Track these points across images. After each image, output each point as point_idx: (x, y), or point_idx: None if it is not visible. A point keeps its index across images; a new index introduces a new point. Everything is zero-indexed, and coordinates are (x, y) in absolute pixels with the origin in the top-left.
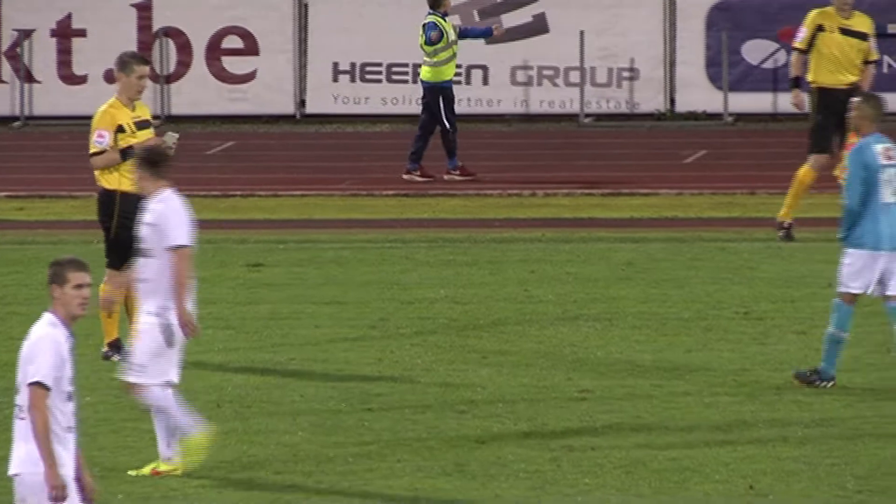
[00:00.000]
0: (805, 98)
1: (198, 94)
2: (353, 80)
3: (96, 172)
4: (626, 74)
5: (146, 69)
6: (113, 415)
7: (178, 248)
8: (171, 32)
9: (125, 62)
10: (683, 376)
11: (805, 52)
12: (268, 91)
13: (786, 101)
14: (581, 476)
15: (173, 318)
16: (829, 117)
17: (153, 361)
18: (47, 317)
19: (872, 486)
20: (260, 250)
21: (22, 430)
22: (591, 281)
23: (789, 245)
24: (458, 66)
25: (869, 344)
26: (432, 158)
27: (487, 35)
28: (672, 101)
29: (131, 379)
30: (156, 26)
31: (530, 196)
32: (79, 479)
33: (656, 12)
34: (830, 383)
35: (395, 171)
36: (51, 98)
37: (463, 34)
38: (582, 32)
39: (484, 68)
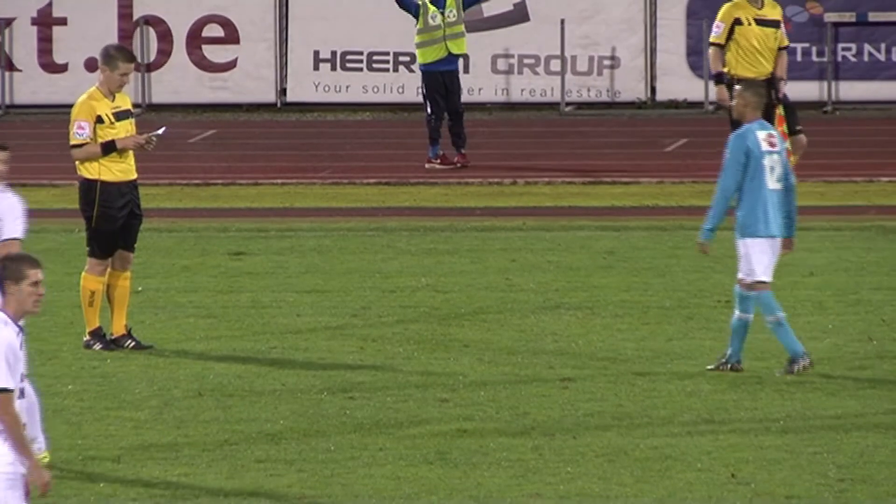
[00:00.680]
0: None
1: (178, 82)
2: (333, 68)
3: (77, 162)
4: (606, 63)
5: (131, 67)
6: (96, 403)
7: None
8: (151, 21)
9: (111, 56)
10: (665, 365)
11: (723, 46)
12: (249, 79)
13: None
14: (563, 465)
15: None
16: None
17: None
18: None
19: (854, 475)
20: (241, 239)
21: None
22: (572, 269)
23: None
24: None
25: (851, 333)
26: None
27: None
28: (653, 90)
29: None
30: (136, 15)
31: (511, 185)
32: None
33: (637, 1)
34: (807, 361)
35: (377, 160)
36: (31, 86)
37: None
38: (563, 21)
39: (465, 56)
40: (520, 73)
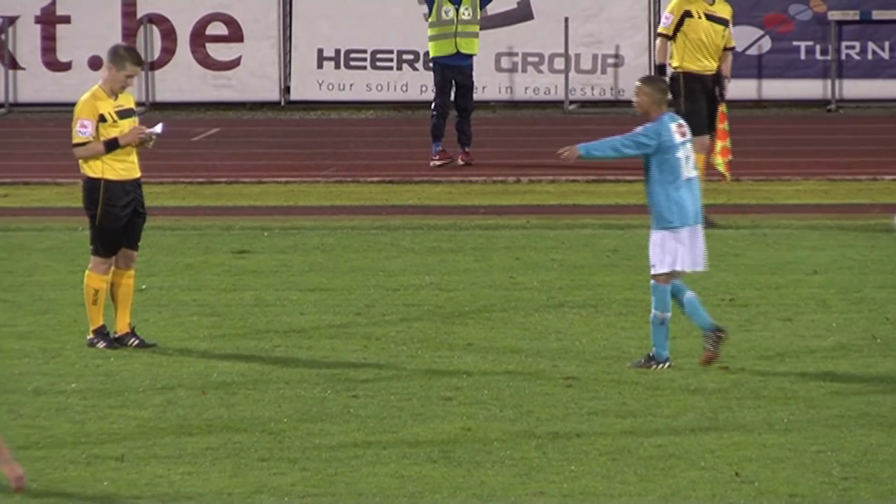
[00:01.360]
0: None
1: (182, 80)
2: (337, 66)
3: (80, 161)
4: (610, 61)
5: (138, 70)
6: (100, 401)
7: None
8: (155, 19)
9: (120, 56)
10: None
11: (670, 38)
12: (252, 78)
13: (770, 88)
14: (567, 463)
15: None
16: (699, 102)
17: None
18: None
19: (858, 473)
20: (245, 237)
21: None
22: (576, 268)
23: (774, 232)
24: None
25: (855, 331)
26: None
27: None
28: None
29: None
30: (140, 13)
31: (515, 183)
32: None
33: None
34: (667, 364)
35: (380, 158)
36: (35, 84)
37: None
38: (566, 19)
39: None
40: (524, 71)
